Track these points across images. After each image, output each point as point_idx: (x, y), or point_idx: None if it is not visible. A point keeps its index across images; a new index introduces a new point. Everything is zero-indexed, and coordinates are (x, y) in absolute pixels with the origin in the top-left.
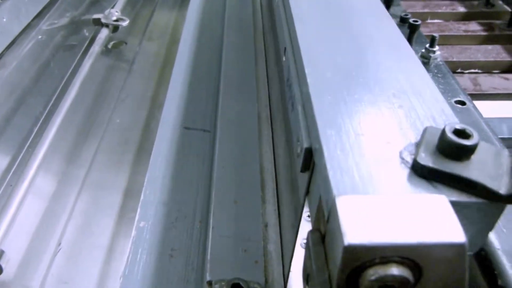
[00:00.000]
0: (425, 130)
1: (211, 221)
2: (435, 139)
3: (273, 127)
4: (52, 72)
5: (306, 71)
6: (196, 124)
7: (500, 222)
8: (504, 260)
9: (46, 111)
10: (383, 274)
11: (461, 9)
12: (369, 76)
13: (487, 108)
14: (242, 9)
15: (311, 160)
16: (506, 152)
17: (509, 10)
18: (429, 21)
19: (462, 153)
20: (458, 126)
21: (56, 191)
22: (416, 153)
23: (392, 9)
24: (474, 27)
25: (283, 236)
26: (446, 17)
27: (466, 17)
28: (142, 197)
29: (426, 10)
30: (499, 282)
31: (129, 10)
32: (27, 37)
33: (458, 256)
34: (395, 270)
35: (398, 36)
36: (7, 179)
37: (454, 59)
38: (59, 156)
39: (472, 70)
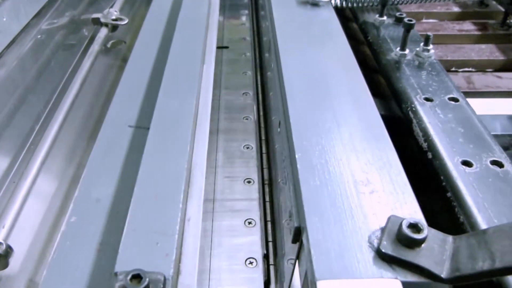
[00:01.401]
0: (389, 219)
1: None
2: (395, 228)
3: None
4: (52, 71)
5: (297, 156)
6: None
7: None
8: None
9: (47, 110)
10: None
11: (456, 9)
12: (351, 163)
13: (480, 106)
14: None
15: (300, 237)
16: (450, 238)
17: (503, 10)
18: (424, 20)
19: (414, 243)
20: (412, 221)
21: (56, 190)
22: (380, 241)
23: (387, 9)
24: (468, 26)
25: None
26: (440, 16)
27: (460, 17)
28: (76, 193)
29: (421, 10)
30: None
31: (127, 9)
32: (27, 36)
33: None
34: None
35: (376, 119)
36: (10, 176)
37: (449, 58)
38: (61, 155)
39: (466, 69)
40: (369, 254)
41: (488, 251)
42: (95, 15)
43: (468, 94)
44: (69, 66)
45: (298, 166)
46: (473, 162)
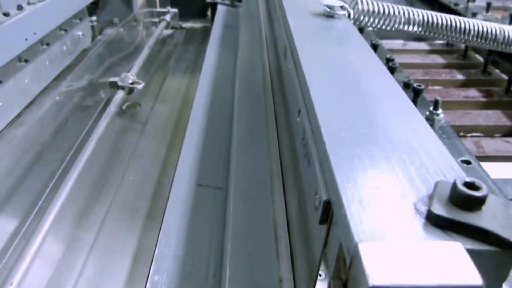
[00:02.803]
0: (436, 184)
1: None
2: (447, 191)
3: (284, 183)
4: (69, 131)
5: (322, 130)
6: (208, 182)
7: None
8: None
9: (62, 168)
10: None
11: (460, 76)
12: (380, 135)
13: (491, 169)
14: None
15: (329, 212)
16: None
17: (506, 78)
18: (429, 87)
19: (473, 204)
20: (468, 179)
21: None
22: (430, 204)
23: (395, 75)
24: (473, 93)
25: None
26: (446, 84)
27: (465, 84)
28: (156, 251)
29: (426, 78)
30: None
31: (143, 74)
32: (46, 98)
33: None
34: None
35: (403, 98)
36: (21, 233)
37: (456, 123)
38: (74, 211)
39: (474, 134)
40: (418, 221)
41: None
42: (112, 79)
43: (478, 158)
44: (85, 126)
45: (325, 138)
46: None
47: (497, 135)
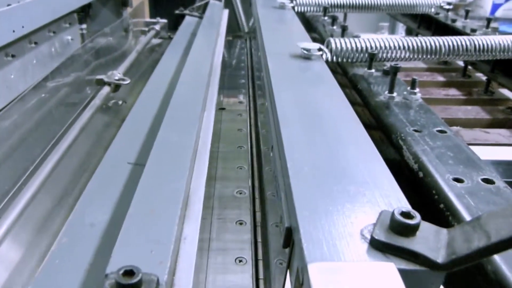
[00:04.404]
0: (380, 213)
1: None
2: (387, 220)
3: None
4: (51, 125)
5: (288, 165)
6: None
7: None
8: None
9: (42, 155)
10: None
11: (441, 78)
12: (339, 171)
13: None
14: None
15: (290, 238)
16: (444, 230)
17: (485, 80)
18: None
19: (408, 230)
20: (404, 209)
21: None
22: (373, 231)
23: (375, 65)
24: (453, 92)
25: None
26: (427, 85)
27: (445, 85)
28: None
29: (408, 79)
30: (489, 268)
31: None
32: (32, 95)
33: None
34: None
35: (366, 139)
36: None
37: None
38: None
39: (454, 127)
40: (362, 245)
41: (483, 231)
42: (99, 76)
43: None
44: (68, 119)
45: (290, 173)
46: (464, 179)
47: (476, 128)
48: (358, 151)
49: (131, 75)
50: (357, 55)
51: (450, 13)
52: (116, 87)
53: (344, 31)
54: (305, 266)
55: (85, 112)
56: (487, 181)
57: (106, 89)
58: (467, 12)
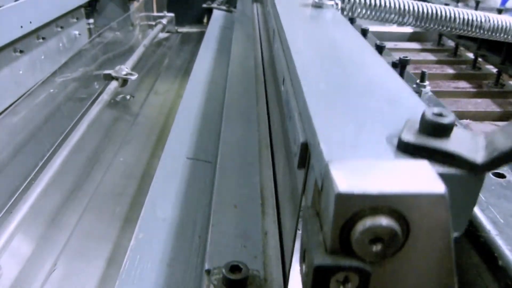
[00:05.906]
0: (407, 121)
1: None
2: (416, 125)
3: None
4: (60, 120)
5: (302, 83)
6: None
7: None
8: (502, 243)
9: (52, 150)
10: (372, 224)
11: (450, 70)
12: (358, 88)
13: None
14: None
15: (306, 156)
16: (482, 135)
17: (495, 73)
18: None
19: (441, 130)
20: (435, 110)
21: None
22: (400, 134)
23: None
24: (463, 84)
25: (284, 242)
26: (437, 77)
27: (455, 78)
28: (142, 213)
29: (417, 71)
30: (500, 263)
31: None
32: (40, 89)
33: (440, 207)
34: (383, 220)
35: (384, 65)
36: (8, 206)
37: None
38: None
39: (464, 120)
40: (389, 149)
41: None
42: (106, 71)
43: None
44: (78, 113)
45: (304, 89)
46: None
47: (486, 121)
48: (376, 72)
49: (138, 70)
50: (373, 12)
51: (460, 4)
52: (124, 81)
53: None
54: (326, 165)
55: (93, 107)
56: (498, 175)
57: (114, 84)
58: (477, 3)
